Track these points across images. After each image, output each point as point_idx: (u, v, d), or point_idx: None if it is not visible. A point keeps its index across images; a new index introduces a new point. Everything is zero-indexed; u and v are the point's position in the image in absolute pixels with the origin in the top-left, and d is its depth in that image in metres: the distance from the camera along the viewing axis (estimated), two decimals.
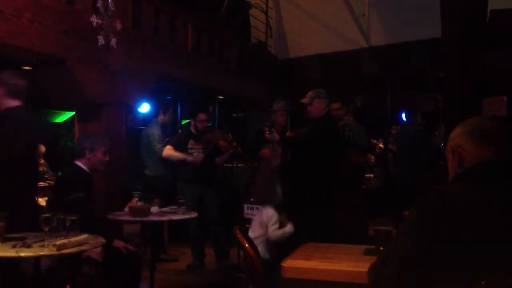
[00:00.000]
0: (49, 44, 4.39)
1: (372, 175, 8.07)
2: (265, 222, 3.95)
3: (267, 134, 5.28)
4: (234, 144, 5.94)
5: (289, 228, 3.96)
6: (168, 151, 5.66)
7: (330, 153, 4.81)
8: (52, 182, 6.09)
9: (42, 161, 6.83)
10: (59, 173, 6.74)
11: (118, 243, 3.77)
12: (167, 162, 5.92)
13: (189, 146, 5.67)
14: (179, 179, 5.77)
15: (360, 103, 6.71)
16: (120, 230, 5.16)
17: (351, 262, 2.47)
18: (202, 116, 5.66)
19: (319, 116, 4.96)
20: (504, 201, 1.52)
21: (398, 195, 6.68)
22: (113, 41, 5.07)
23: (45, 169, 6.96)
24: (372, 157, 8.40)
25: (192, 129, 5.77)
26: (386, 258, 1.63)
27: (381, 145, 8.31)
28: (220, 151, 5.90)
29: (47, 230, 2.87)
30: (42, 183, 5.97)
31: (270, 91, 8.81)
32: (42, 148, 6.70)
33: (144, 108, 7.78)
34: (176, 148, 5.66)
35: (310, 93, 4.99)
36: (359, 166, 5.81)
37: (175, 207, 4.66)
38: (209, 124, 5.97)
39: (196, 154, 5.65)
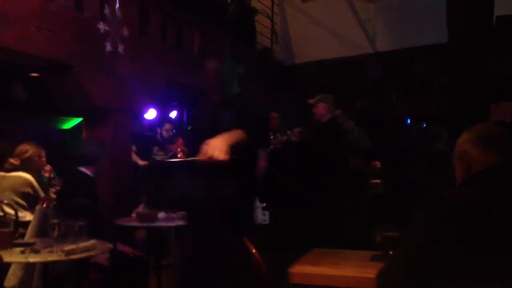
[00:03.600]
0: (57, 51, 4.43)
1: (379, 181, 8.01)
2: None
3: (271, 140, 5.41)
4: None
5: None
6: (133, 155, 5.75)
7: (333, 159, 4.86)
8: (59, 188, 6.10)
9: (48, 167, 6.81)
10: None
11: (123, 248, 3.78)
12: None
13: (154, 152, 5.86)
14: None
15: (361, 106, 6.75)
16: (129, 235, 5.18)
17: (358, 268, 2.47)
18: (167, 125, 5.93)
19: (322, 121, 5.06)
20: (511, 207, 1.52)
21: (404, 201, 6.66)
22: (120, 48, 5.11)
23: (52, 175, 6.95)
24: (378, 162, 8.34)
25: (158, 136, 6.01)
26: (394, 264, 1.64)
27: None
28: None
29: (55, 235, 2.90)
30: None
31: (275, 96, 8.82)
32: (43, 153, 6.68)
33: (151, 114, 7.78)
34: (141, 154, 5.79)
35: (318, 96, 5.13)
36: (359, 170, 5.82)
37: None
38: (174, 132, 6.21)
39: (160, 159, 5.85)
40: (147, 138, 6.13)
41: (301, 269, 2.50)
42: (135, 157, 5.70)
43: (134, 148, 5.77)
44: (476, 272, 1.42)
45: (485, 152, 1.65)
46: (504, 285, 1.40)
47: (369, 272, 2.19)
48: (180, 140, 6.20)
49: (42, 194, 4.63)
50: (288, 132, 5.63)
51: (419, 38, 7.54)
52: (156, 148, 5.94)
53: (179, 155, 6.09)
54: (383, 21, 8.19)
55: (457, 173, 1.75)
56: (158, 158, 5.92)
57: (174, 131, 6.26)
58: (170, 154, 5.95)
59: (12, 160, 4.48)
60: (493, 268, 1.42)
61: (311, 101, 5.19)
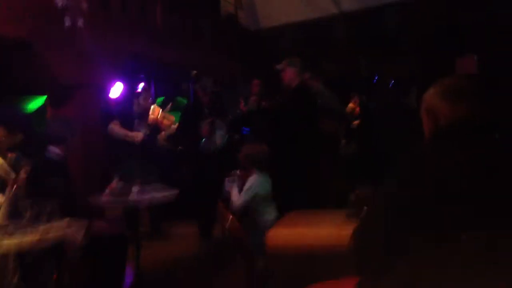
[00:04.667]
0: (17, 28, 4.30)
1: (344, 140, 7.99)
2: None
3: (242, 106, 5.43)
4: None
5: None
6: (113, 125, 5.57)
7: (305, 123, 4.87)
8: (29, 169, 5.99)
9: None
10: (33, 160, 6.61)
11: (99, 224, 3.75)
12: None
13: (135, 125, 5.74)
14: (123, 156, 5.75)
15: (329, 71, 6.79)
16: (102, 213, 5.14)
17: (334, 226, 2.51)
18: (144, 94, 5.82)
19: (291, 86, 5.05)
20: (479, 158, 1.54)
21: (376, 160, 6.73)
22: (80, 22, 4.97)
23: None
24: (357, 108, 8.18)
25: (135, 107, 5.82)
26: (369, 218, 1.66)
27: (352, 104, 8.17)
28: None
29: (28, 216, 2.85)
30: None
31: (242, 64, 8.76)
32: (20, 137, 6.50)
33: (117, 88, 7.63)
34: (123, 125, 5.66)
35: (285, 61, 5.10)
36: (332, 134, 5.85)
37: (158, 185, 4.65)
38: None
39: (142, 132, 5.69)
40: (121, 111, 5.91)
41: (279, 231, 2.52)
42: (122, 130, 5.53)
43: (116, 122, 5.62)
44: (449, 222, 1.44)
45: (452, 105, 1.66)
46: (476, 234, 1.42)
47: (345, 229, 2.22)
48: (158, 109, 6.09)
49: (13, 175, 4.54)
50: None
51: None
52: (136, 121, 5.75)
53: (164, 124, 6.05)
54: None
55: (425, 127, 1.76)
56: (142, 130, 5.76)
57: (151, 99, 6.09)
58: (151, 128, 5.80)
59: None
60: (465, 218, 1.45)
61: (279, 66, 5.15)
